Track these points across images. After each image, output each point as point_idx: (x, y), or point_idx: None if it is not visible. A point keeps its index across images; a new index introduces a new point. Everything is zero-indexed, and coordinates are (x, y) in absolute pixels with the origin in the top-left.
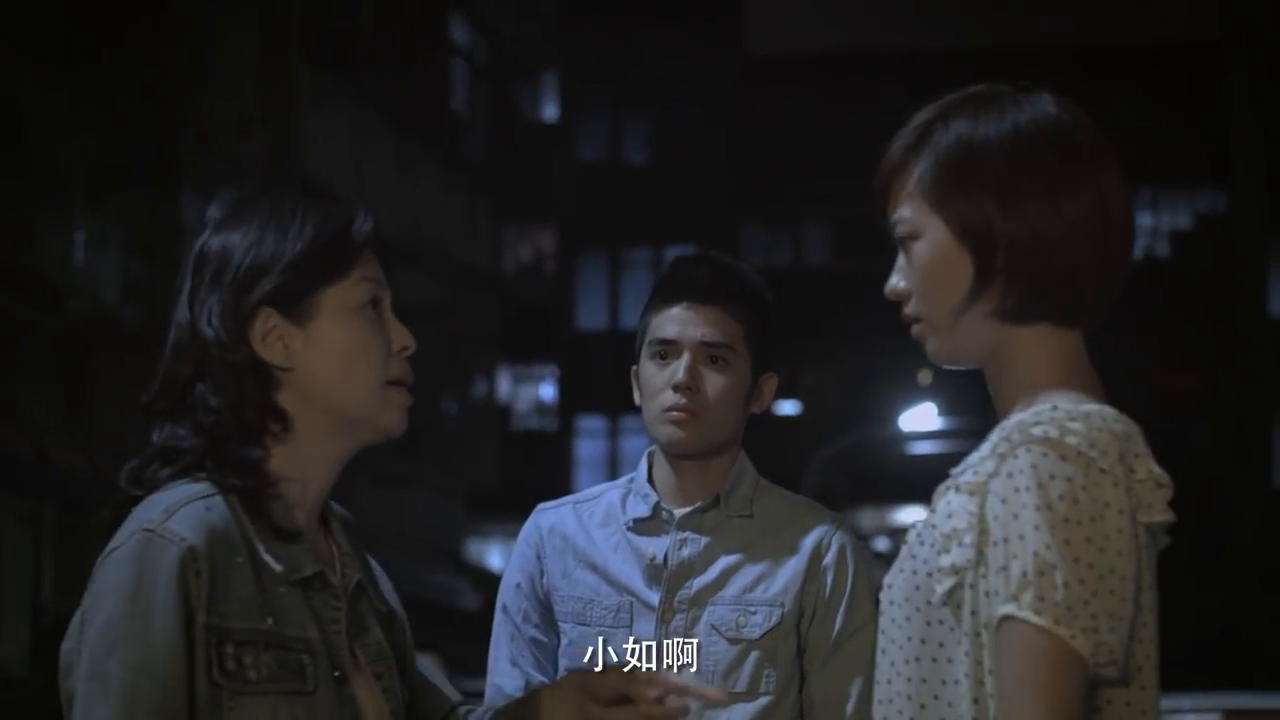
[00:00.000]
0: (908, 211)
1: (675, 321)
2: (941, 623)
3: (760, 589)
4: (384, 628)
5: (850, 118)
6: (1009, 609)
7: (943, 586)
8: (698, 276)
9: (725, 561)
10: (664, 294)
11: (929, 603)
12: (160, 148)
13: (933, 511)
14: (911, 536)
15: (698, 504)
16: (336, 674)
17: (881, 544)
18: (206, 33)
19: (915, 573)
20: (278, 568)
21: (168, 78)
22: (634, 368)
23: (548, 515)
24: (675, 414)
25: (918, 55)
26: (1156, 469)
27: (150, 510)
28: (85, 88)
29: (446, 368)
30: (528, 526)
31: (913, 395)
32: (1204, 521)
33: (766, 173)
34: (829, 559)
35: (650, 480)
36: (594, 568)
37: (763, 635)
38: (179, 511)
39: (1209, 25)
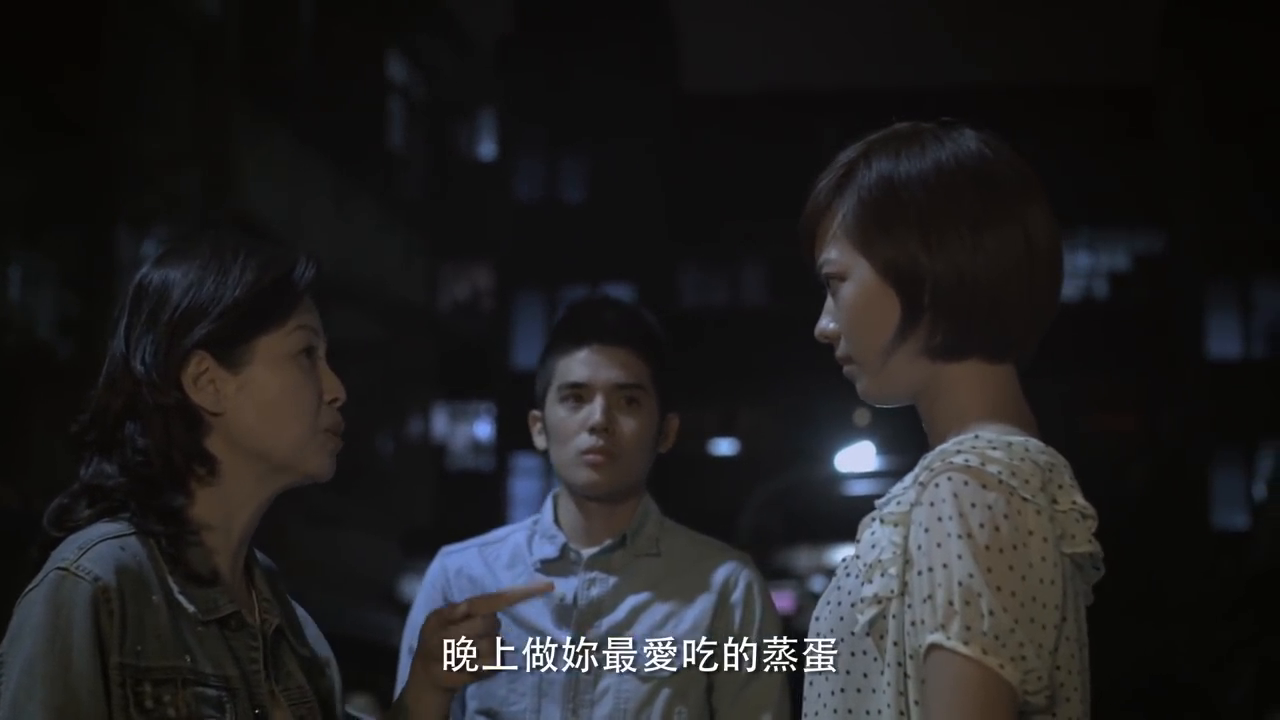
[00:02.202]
0: (834, 253)
1: (586, 364)
2: (865, 653)
3: (670, 626)
4: (307, 673)
5: (787, 157)
6: (936, 638)
7: (865, 616)
8: (605, 319)
9: (634, 600)
10: (570, 337)
11: (852, 633)
12: (96, 183)
13: (858, 543)
14: (839, 568)
15: (605, 544)
16: (256, 711)
17: (818, 584)
18: (143, 68)
19: (840, 604)
20: (191, 608)
21: (103, 113)
22: (533, 413)
23: (454, 558)
24: (593, 456)
25: (855, 94)
26: (1081, 500)
27: (66, 549)
28: (19, 122)
29: (382, 406)
30: (433, 569)
31: (849, 435)
32: (1142, 562)
33: (703, 212)
34: (736, 596)
35: (556, 522)
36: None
37: (674, 673)
38: (92, 550)
39: (1147, 68)
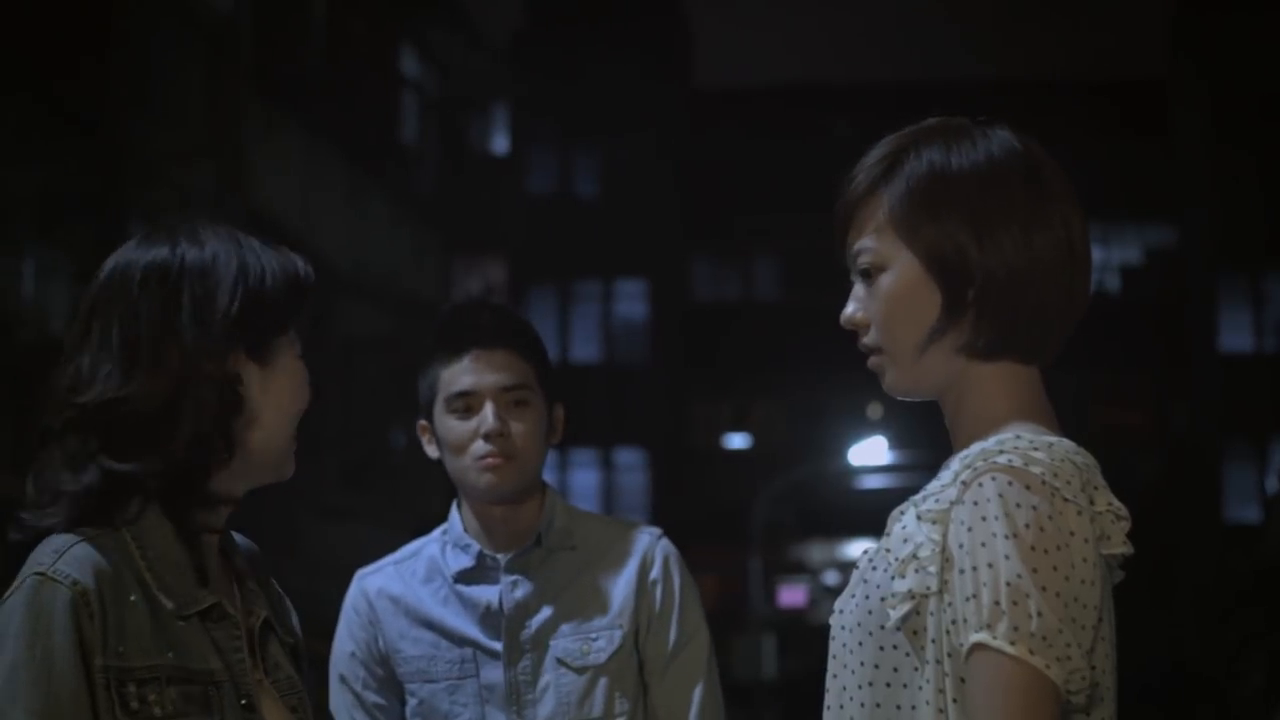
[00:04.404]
0: (873, 241)
1: (470, 372)
2: (896, 648)
3: (597, 615)
4: (293, 661)
5: (799, 151)
6: (981, 637)
7: (898, 612)
8: (483, 323)
9: (558, 596)
10: (450, 345)
11: (882, 628)
12: (108, 178)
13: (887, 535)
14: (863, 562)
15: (520, 546)
16: (243, 702)
17: (831, 578)
18: (155, 62)
19: (868, 598)
20: (169, 604)
21: (116, 107)
22: (420, 423)
23: (373, 579)
24: (490, 460)
25: (867, 89)
26: (1115, 501)
27: (42, 553)
28: (32, 116)
29: (394, 400)
30: (353, 593)
31: (863, 429)
32: (1155, 556)
33: (716, 206)
34: (655, 573)
35: (465, 531)
36: (429, 625)
37: (608, 659)
38: (68, 553)
39: (1159, 61)
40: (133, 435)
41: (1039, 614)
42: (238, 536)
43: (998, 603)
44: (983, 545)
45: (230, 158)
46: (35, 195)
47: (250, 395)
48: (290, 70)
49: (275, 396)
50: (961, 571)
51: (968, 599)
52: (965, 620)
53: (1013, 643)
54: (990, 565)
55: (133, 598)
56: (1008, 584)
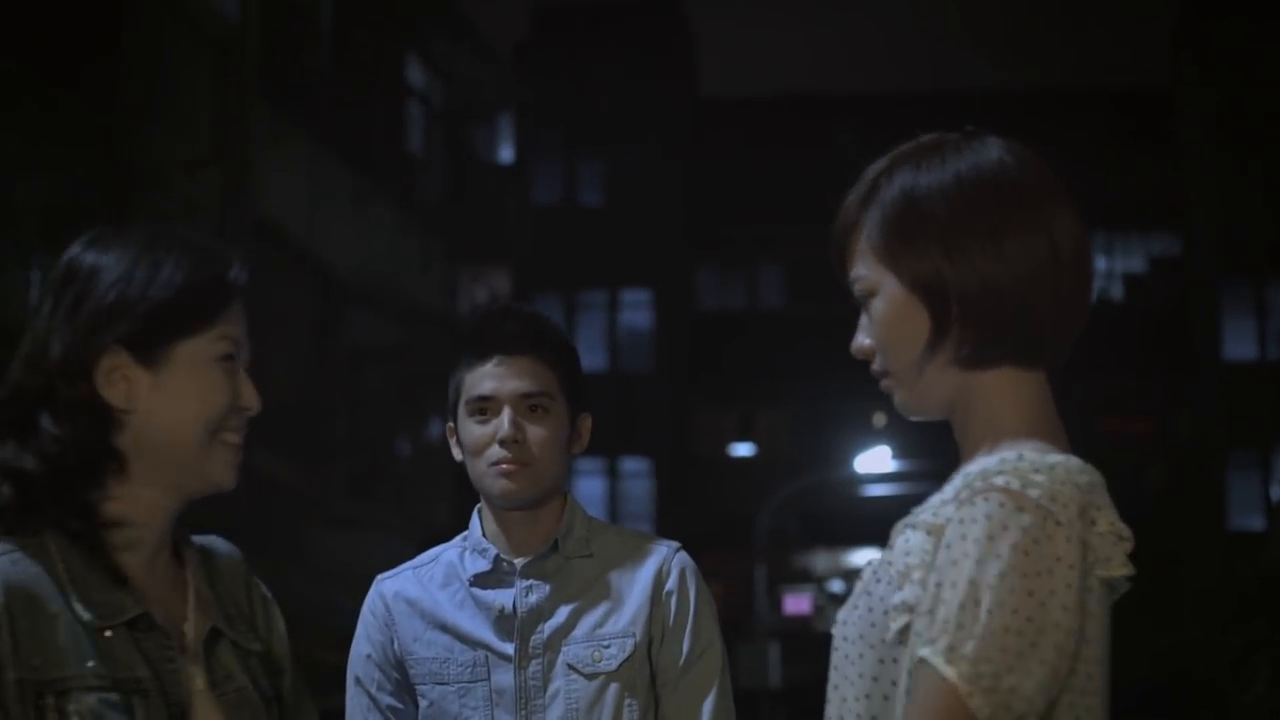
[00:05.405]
0: (863, 269)
1: (491, 377)
2: (895, 661)
3: (610, 623)
4: (254, 670)
5: (803, 161)
6: (924, 653)
7: (896, 624)
8: (507, 330)
9: (572, 602)
10: (475, 351)
11: (883, 640)
12: (114, 187)
13: (890, 548)
14: (867, 573)
15: (536, 551)
16: (173, 710)
17: (836, 586)
18: (161, 72)
19: (870, 610)
20: (87, 616)
21: (122, 117)
22: (450, 425)
23: (390, 583)
24: (504, 467)
25: (870, 99)
26: (1119, 523)
27: None
28: (39, 127)
29: (400, 408)
30: (371, 597)
31: (867, 438)
32: (1159, 564)
33: (720, 215)
34: (671, 585)
35: (485, 536)
36: (444, 628)
37: (619, 666)
38: None
39: (1163, 70)
40: (16, 432)
41: (981, 639)
42: (213, 540)
43: (947, 621)
44: (953, 564)
45: (236, 167)
46: (41, 204)
47: (137, 401)
48: (296, 80)
49: (170, 402)
50: (933, 586)
51: (927, 613)
52: (918, 634)
53: (949, 662)
54: (954, 584)
55: (52, 608)
56: (960, 606)
